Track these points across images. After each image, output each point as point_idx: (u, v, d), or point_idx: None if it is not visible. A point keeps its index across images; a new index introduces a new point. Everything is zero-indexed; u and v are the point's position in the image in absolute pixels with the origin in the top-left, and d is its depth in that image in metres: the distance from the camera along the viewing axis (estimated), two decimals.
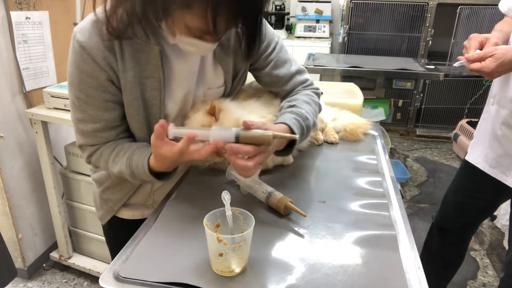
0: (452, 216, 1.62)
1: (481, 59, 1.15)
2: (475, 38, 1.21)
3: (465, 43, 1.23)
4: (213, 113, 0.89)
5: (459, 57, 1.21)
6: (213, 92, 0.98)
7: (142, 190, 1.03)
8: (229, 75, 0.98)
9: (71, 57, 0.82)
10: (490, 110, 1.41)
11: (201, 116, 0.89)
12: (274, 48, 1.00)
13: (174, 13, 0.71)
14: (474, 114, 3.83)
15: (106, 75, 0.82)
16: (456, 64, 1.23)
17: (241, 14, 0.70)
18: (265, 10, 0.73)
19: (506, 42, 1.30)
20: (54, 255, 2.14)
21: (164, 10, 0.71)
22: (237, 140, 0.75)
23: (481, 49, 1.19)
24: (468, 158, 1.51)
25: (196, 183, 0.97)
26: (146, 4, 0.73)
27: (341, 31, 3.82)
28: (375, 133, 1.28)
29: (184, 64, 0.89)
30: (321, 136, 1.19)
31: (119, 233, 1.07)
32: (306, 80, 1.06)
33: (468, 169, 1.51)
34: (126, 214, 1.06)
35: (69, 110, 0.96)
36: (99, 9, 0.79)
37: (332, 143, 1.19)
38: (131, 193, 1.02)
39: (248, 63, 1.00)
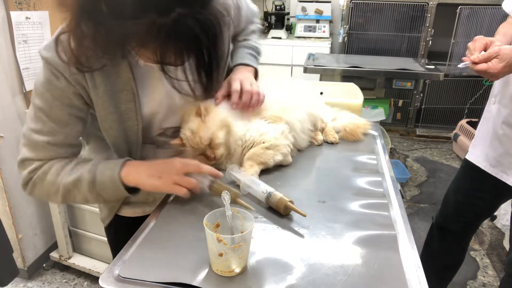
0: (452, 216, 1.62)
1: (486, 61, 1.15)
2: (480, 40, 1.20)
3: (469, 44, 1.22)
4: (199, 114, 0.90)
5: (464, 58, 1.21)
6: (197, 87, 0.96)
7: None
8: None
9: (41, 69, 0.81)
10: (491, 109, 1.42)
11: (192, 120, 0.91)
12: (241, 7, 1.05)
13: (134, 49, 0.73)
14: (474, 114, 3.82)
15: (74, 89, 0.81)
16: (460, 65, 1.22)
17: (187, 51, 0.70)
18: (218, 43, 0.73)
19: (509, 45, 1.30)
20: (54, 255, 2.15)
21: (124, 47, 0.72)
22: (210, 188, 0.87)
23: (485, 51, 1.18)
24: (469, 157, 1.51)
25: None
26: (109, 43, 0.70)
27: (341, 31, 3.82)
28: (375, 133, 1.28)
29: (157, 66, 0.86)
30: (321, 136, 1.19)
31: (120, 231, 1.08)
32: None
33: (469, 168, 1.51)
34: (127, 212, 1.07)
35: None
36: (63, 37, 0.75)
37: (332, 143, 1.19)
38: None
39: (230, 50, 1.02)
